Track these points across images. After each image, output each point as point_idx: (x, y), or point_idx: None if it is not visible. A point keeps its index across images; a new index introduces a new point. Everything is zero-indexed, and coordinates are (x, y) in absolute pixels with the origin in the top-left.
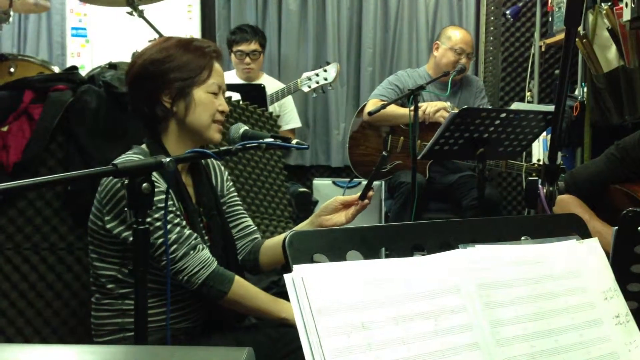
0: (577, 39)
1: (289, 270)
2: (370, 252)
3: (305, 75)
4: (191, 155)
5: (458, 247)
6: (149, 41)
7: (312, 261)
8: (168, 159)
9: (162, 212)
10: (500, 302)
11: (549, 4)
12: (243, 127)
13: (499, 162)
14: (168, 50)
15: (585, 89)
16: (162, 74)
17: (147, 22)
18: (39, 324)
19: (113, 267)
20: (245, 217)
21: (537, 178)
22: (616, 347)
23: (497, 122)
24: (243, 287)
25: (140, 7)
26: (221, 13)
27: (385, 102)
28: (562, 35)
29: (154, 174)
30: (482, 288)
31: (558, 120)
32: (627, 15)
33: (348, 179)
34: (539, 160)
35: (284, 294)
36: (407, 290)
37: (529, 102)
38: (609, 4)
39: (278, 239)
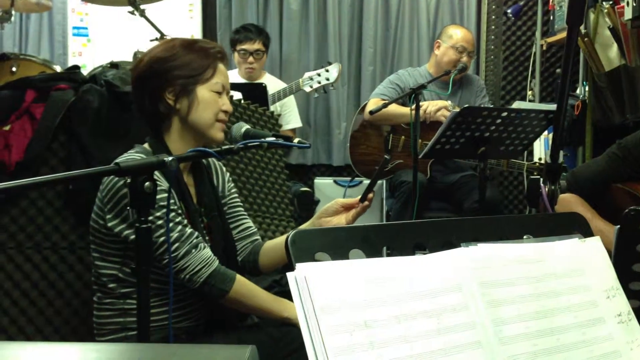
0: (578, 38)
1: (292, 269)
2: (372, 251)
3: (307, 75)
4: (193, 154)
5: (460, 246)
6: (151, 40)
7: (314, 260)
8: (170, 158)
9: (164, 210)
10: (503, 300)
11: (550, 3)
12: (245, 126)
13: (500, 161)
14: (173, 49)
15: (586, 88)
16: (165, 72)
17: (149, 22)
18: (41, 323)
19: (114, 266)
20: (246, 218)
21: (539, 177)
22: (618, 346)
23: (499, 121)
24: (245, 286)
25: (142, 7)
26: (222, 12)
27: (387, 101)
28: (563, 34)
29: (156, 173)
30: (484, 286)
31: (560, 119)
32: (628, 14)
33: (349, 178)
34: (540, 159)
35: (285, 293)
36: (409, 289)
37: (530, 101)
38: (611, 2)
39: (278, 240)
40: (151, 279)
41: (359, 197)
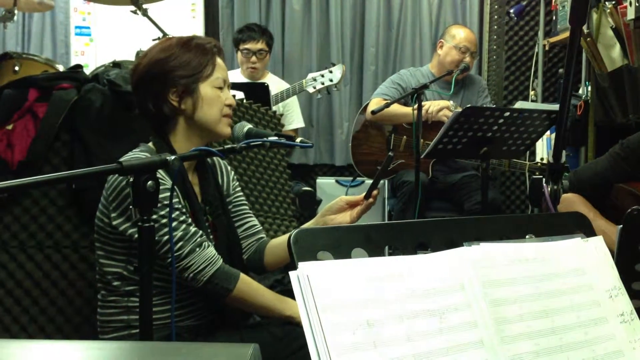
0: (581, 38)
1: (295, 268)
2: (374, 250)
3: (310, 75)
4: (196, 153)
5: (462, 245)
6: (153, 40)
7: (317, 259)
8: (173, 157)
9: (168, 209)
10: (505, 299)
11: (553, 3)
12: (247, 126)
13: (501, 161)
14: (170, 49)
15: (589, 88)
16: (166, 73)
17: (151, 21)
18: (44, 321)
19: (119, 264)
20: (251, 216)
21: (541, 177)
22: (621, 345)
23: (501, 121)
24: (248, 285)
25: (144, 6)
26: (225, 12)
27: (389, 101)
28: (566, 34)
29: (160, 171)
30: (487, 286)
31: (563, 119)
32: (631, 14)
33: (351, 178)
34: (542, 159)
35: (288, 292)
36: (411, 288)
37: (532, 101)
38: (613, 2)
39: (283, 238)
40: (155, 278)
41: (364, 194)
